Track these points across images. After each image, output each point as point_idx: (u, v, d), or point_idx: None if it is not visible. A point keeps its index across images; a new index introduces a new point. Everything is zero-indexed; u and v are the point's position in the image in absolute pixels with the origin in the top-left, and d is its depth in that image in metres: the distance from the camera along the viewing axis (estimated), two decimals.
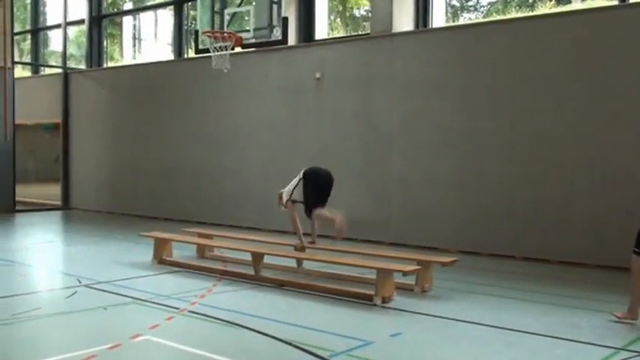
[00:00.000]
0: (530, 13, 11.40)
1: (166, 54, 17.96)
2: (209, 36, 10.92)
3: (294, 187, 8.61)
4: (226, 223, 13.61)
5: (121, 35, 19.64)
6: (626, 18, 9.48)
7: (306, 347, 5.45)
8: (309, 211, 8.45)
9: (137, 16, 18.89)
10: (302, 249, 8.66)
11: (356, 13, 15.09)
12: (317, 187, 8.44)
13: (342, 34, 14.07)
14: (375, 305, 6.99)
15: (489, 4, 12.58)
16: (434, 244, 10.83)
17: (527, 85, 10.14)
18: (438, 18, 12.15)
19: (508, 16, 11.51)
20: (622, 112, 9.31)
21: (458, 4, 12.74)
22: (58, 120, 18.17)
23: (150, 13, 18.63)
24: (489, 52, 10.54)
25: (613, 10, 9.81)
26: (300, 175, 8.61)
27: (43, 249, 11.13)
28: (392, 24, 11.67)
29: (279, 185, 13.00)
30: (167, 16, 18.09)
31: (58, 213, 17.01)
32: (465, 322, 6.39)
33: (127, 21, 19.32)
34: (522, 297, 7.55)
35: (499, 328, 6.17)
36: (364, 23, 14.62)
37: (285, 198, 8.70)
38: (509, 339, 5.82)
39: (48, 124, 19.44)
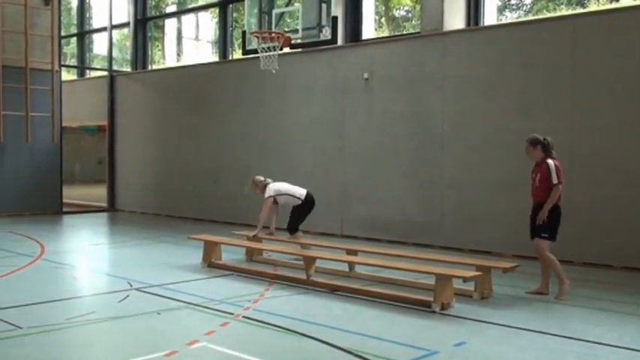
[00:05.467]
0: (588, 9, 11.00)
1: (207, 56, 17.97)
2: (257, 36, 10.79)
3: (285, 195, 9.78)
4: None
5: (162, 38, 19.71)
6: None
7: (368, 356, 5.25)
8: (294, 229, 9.84)
9: (179, 18, 18.96)
10: (253, 238, 9.73)
11: (396, 13, 14.82)
12: (307, 213, 9.90)
13: (385, 34, 13.82)
14: (433, 312, 6.75)
15: (532, 2, 12.22)
16: (487, 248, 10.52)
17: (587, 83, 9.75)
18: (490, 15, 11.82)
19: (565, 12, 11.12)
20: None
21: (500, 3, 12.39)
22: (103, 122, 18.27)
23: (191, 16, 18.69)
24: (546, 50, 10.16)
25: None
26: (302, 197, 9.76)
27: (92, 251, 11.14)
28: (443, 22, 11.39)
29: (327, 186, 12.95)
30: (208, 18, 18.11)
31: (104, 215, 17.09)
32: (532, 331, 6.10)
33: (169, 23, 19.40)
34: (587, 305, 7.22)
35: (568, 338, 5.87)
36: (404, 24, 14.37)
37: (268, 193, 9.70)
38: (583, 350, 5.51)
39: (91, 127, 19.58)
